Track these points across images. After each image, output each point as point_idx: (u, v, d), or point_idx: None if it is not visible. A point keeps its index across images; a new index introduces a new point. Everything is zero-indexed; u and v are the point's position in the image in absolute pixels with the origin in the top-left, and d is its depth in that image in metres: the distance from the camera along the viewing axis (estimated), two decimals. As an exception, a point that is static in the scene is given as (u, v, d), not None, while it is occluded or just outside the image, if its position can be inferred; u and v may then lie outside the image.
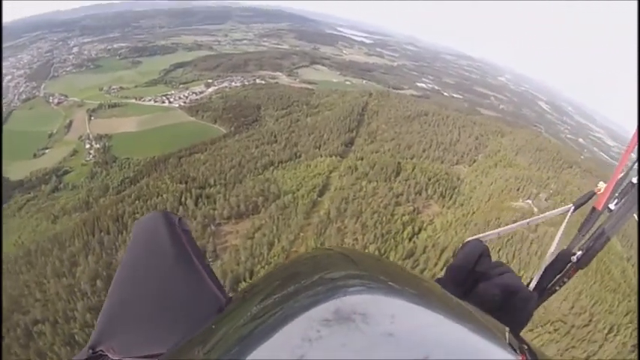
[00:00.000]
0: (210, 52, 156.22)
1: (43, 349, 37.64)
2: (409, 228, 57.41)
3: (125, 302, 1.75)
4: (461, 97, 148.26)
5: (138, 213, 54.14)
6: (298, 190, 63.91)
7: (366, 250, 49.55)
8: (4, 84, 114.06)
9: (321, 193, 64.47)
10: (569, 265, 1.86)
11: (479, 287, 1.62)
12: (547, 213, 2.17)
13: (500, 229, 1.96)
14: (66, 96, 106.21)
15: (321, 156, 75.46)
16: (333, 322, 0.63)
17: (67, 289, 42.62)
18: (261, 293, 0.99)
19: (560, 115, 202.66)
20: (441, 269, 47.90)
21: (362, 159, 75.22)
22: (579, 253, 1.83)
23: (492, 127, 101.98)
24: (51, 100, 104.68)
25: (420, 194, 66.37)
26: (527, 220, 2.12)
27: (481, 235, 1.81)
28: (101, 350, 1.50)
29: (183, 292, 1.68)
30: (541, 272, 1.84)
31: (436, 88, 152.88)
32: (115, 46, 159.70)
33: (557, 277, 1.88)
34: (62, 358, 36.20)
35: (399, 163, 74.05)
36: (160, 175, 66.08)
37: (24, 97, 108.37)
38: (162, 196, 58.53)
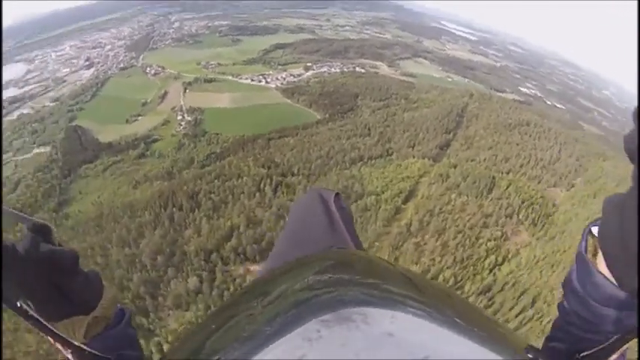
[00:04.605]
0: (311, 36, 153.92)
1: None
2: (492, 257, 50.47)
3: None
4: (563, 107, 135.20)
5: (214, 193, 53.18)
6: (383, 192, 58.72)
7: (441, 275, 45.77)
8: (103, 52, 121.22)
9: (406, 200, 58.81)
10: None
11: None
12: None
13: None
14: (163, 67, 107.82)
15: (414, 157, 70.21)
16: (333, 323, 0.62)
17: (128, 258, 42.03)
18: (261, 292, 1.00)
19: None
20: (516, 316, 42.14)
21: (455, 167, 68.80)
22: None
23: (594, 148, 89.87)
24: (148, 71, 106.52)
25: (511, 218, 58.37)
26: None
27: None
28: None
29: None
30: None
31: (539, 94, 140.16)
32: (216, 23, 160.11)
33: None
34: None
35: (493, 177, 66.67)
36: (244, 155, 64.99)
37: (122, 65, 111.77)
38: (242, 178, 56.46)
